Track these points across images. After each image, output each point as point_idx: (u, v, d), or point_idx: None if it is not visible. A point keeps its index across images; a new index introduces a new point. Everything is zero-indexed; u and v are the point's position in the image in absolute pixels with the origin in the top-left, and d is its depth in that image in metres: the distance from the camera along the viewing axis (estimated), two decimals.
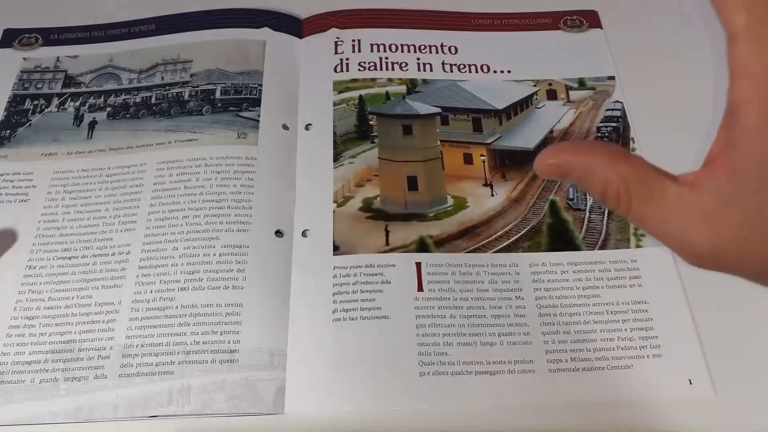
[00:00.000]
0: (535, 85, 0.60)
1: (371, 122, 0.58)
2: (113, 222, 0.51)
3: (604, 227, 0.51)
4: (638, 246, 0.50)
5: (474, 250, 0.50)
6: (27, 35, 0.64)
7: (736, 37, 0.22)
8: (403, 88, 0.60)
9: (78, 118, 0.59)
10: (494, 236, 0.51)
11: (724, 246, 0.23)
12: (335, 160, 0.55)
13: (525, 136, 0.58)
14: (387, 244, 0.50)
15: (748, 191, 0.22)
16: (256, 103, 0.58)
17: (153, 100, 0.59)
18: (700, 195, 0.23)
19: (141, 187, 0.53)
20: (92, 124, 0.58)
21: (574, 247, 0.50)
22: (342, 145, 0.56)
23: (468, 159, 0.56)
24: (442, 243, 0.51)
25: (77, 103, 0.60)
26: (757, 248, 0.22)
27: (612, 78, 0.60)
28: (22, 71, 0.62)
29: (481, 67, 0.61)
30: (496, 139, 0.58)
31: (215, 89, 0.60)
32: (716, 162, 0.23)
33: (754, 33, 0.22)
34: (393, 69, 0.61)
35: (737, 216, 0.22)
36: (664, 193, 0.24)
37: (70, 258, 0.50)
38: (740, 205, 0.22)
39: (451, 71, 0.61)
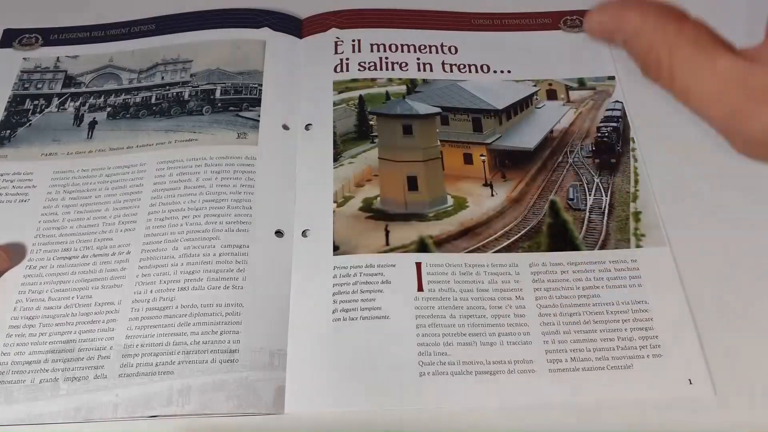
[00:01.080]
0: (535, 85, 0.60)
1: (371, 122, 0.58)
2: (113, 222, 0.51)
3: (604, 227, 0.51)
4: (638, 246, 0.50)
5: (474, 250, 0.50)
6: (27, 35, 0.64)
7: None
8: (403, 88, 0.60)
9: (78, 118, 0.59)
10: (494, 236, 0.51)
11: None
12: (335, 160, 0.55)
13: (525, 136, 0.58)
14: (387, 244, 0.50)
15: None
16: (256, 103, 0.58)
17: (153, 100, 0.59)
18: (759, 68, 0.19)
19: (141, 187, 0.53)
20: (92, 124, 0.58)
21: (574, 247, 0.50)
22: (342, 145, 0.56)
23: (468, 159, 0.56)
24: (442, 243, 0.51)
25: (77, 103, 0.60)
26: None
27: (612, 78, 0.60)
28: (22, 71, 0.62)
29: (481, 67, 0.61)
30: (496, 139, 0.58)
31: (215, 89, 0.60)
32: None
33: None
34: (393, 69, 0.61)
35: None
36: (715, 63, 0.20)
37: (70, 258, 0.50)
38: None
39: (451, 71, 0.61)
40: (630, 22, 0.21)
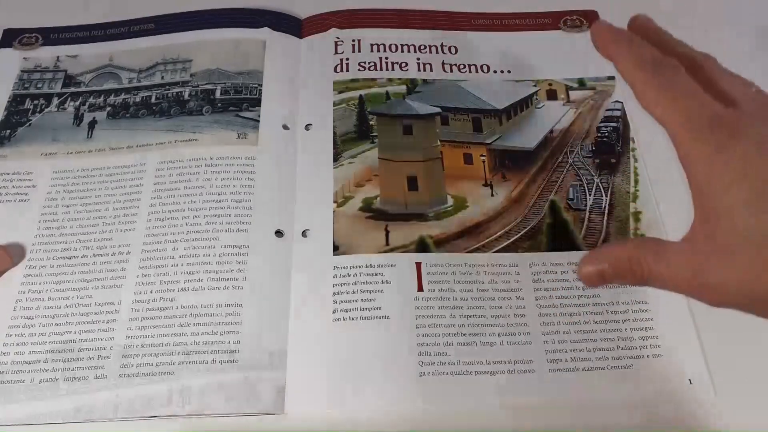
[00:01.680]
0: (535, 85, 0.60)
1: (371, 122, 0.58)
2: (113, 222, 0.51)
3: (604, 227, 0.51)
4: None
5: (474, 250, 0.50)
6: (27, 35, 0.64)
7: (667, 125, 0.29)
8: (403, 88, 0.60)
9: (78, 118, 0.59)
10: (494, 236, 0.51)
11: (722, 281, 0.27)
12: (335, 160, 0.55)
13: (525, 136, 0.58)
14: (387, 244, 0.50)
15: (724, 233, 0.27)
16: (256, 103, 0.58)
17: (153, 100, 0.59)
18: (693, 242, 0.28)
19: (141, 187, 0.53)
20: (92, 124, 0.58)
21: (574, 247, 0.50)
22: (342, 145, 0.56)
23: (468, 159, 0.56)
24: (442, 243, 0.51)
25: (77, 103, 0.60)
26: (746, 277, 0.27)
27: (612, 78, 0.60)
28: (22, 71, 0.62)
29: (481, 67, 0.61)
30: (496, 139, 0.58)
31: (215, 89, 0.60)
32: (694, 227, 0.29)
33: (691, 125, 0.28)
34: (393, 69, 0.61)
35: (722, 253, 0.27)
36: (669, 248, 0.29)
37: (70, 258, 0.50)
38: (721, 244, 0.27)
39: (451, 71, 0.61)
40: (614, 254, 0.30)
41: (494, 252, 0.50)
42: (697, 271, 0.28)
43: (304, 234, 0.51)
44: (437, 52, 0.62)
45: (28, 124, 0.58)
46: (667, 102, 0.29)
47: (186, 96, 0.60)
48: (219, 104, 0.59)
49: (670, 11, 0.66)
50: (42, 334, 0.46)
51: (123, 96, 0.60)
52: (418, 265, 0.49)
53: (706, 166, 0.27)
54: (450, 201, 0.54)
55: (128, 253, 0.50)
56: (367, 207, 0.53)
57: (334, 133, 0.56)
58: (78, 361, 0.45)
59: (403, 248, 0.50)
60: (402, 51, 0.62)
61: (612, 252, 0.31)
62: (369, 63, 0.61)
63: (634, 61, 0.31)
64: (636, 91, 0.31)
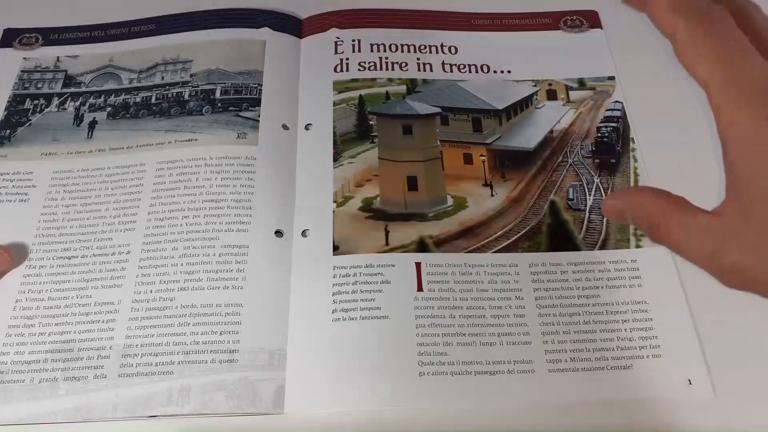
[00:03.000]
0: (535, 85, 0.60)
1: (371, 122, 0.58)
2: (113, 222, 0.51)
3: (604, 227, 0.51)
4: (638, 246, 0.50)
5: (474, 250, 0.50)
6: (27, 35, 0.64)
7: (710, 87, 0.26)
8: (403, 88, 0.60)
9: (78, 118, 0.59)
10: (494, 236, 0.51)
11: (748, 263, 0.25)
12: (335, 160, 0.55)
13: (525, 136, 0.58)
14: (387, 244, 0.50)
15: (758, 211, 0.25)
16: (256, 103, 0.58)
17: (153, 100, 0.59)
18: (723, 218, 0.26)
19: (141, 187, 0.53)
20: (92, 124, 0.58)
21: (574, 247, 0.50)
22: (342, 145, 0.56)
23: (468, 159, 0.56)
24: (441, 243, 0.51)
25: (77, 103, 0.60)
26: None
27: (612, 78, 0.60)
28: (22, 71, 0.62)
29: (481, 67, 0.61)
30: (496, 139, 0.58)
31: (215, 89, 0.60)
32: (728, 194, 0.26)
33: (728, 85, 0.25)
34: (393, 69, 0.61)
35: (755, 233, 0.25)
36: (696, 221, 0.27)
37: (70, 258, 0.50)
38: (756, 223, 0.25)
39: (451, 71, 0.61)
40: (636, 202, 0.29)
41: (494, 252, 0.50)
42: (718, 252, 0.26)
43: (304, 234, 0.51)
44: (437, 52, 0.62)
45: (28, 124, 0.58)
46: (714, 58, 0.25)
47: (186, 96, 0.60)
48: (219, 104, 0.59)
49: None
50: (42, 334, 0.46)
51: (123, 96, 0.60)
52: (418, 265, 0.49)
53: (751, 140, 0.24)
54: (450, 201, 0.54)
55: (128, 253, 0.50)
56: (366, 207, 0.53)
57: (334, 133, 0.56)
58: (77, 360, 0.45)
59: (403, 248, 0.50)
60: (402, 51, 0.62)
61: (636, 199, 0.29)
62: (369, 63, 0.61)
63: (673, 4, 0.26)
64: (676, 42, 0.26)
